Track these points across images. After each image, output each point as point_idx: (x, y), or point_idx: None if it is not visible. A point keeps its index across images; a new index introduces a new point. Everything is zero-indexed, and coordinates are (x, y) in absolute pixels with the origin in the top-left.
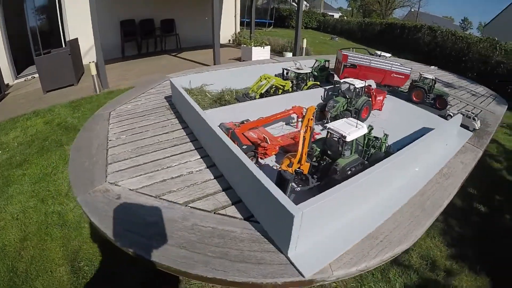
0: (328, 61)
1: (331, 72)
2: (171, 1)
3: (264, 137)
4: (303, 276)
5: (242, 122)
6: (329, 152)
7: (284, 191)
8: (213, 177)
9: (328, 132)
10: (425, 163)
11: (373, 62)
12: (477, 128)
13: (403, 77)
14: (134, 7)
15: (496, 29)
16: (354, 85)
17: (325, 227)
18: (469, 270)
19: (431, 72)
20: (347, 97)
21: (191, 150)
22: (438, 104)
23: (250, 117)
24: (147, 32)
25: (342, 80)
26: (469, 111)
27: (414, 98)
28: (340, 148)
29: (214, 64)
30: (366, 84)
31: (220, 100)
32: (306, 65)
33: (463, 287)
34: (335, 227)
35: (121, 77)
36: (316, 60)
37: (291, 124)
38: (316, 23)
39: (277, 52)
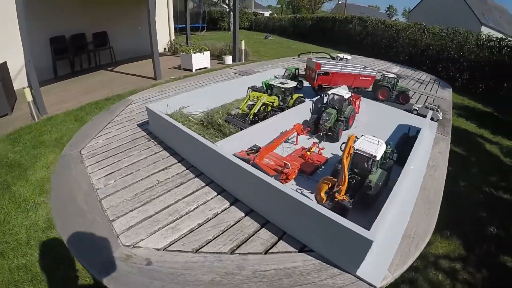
0: (297, 69)
1: (300, 79)
2: (102, 13)
3: (284, 162)
4: (375, 287)
5: (252, 150)
6: (355, 170)
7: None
8: (244, 214)
9: (355, 153)
10: (416, 160)
11: (344, 68)
12: (440, 118)
13: (370, 78)
14: (63, 22)
15: (420, 14)
16: (343, 96)
17: (378, 238)
18: (441, 237)
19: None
20: (337, 108)
21: (203, 187)
22: (401, 99)
23: (256, 142)
24: (79, 48)
25: (330, 92)
26: (431, 104)
27: (380, 97)
28: (368, 166)
29: (155, 77)
30: (351, 95)
31: (212, 124)
32: (277, 75)
33: (439, 252)
34: (384, 235)
35: (59, 100)
36: (286, 69)
37: (290, 142)
38: (247, 23)
39: (215, 56)
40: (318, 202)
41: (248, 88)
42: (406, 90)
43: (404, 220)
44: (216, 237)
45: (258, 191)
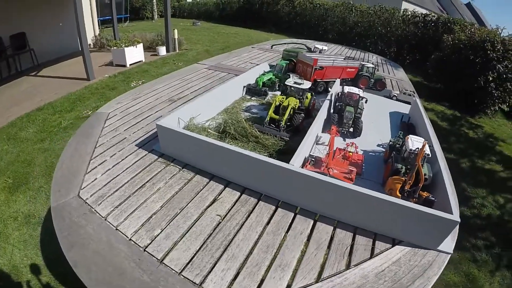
0: (288, 63)
1: (288, 73)
2: (18, 11)
3: (349, 169)
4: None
5: (312, 161)
6: (409, 166)
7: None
8: (332, 227)
9: (410, 153)
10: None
11: (336, 62)
12: (418, 101)
13: (354, 69)
14: None
15: None
16: (358, 94)
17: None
18: None
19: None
20: (353, 105)
21: (276, 211)
22: (378, 86)
23: (306, 152)
24: None
25: (346, 91)
26: (407, 90)
27: (361, 85)
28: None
29: (87, 77)
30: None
31: (247, 137)
32: (265, 70)
33: None
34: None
35: None
36: (277, 64)
37: (320, 143)
38: (171, 9)
39: (146, 48)
40: None
41: (244, 87)
42: (382, 77)
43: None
44: (327, 258)
45: (346, 203)
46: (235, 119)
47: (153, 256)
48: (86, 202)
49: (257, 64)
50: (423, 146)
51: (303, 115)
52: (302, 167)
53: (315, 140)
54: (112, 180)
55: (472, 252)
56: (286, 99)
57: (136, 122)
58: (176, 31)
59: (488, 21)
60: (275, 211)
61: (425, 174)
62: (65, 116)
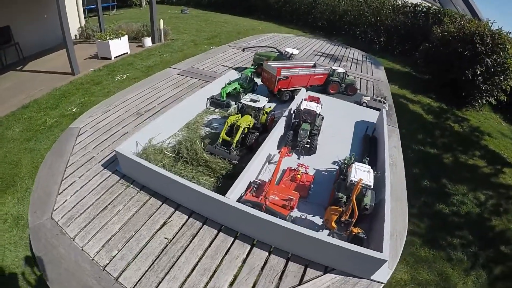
0: (254, 72)
1: (255, 81)
2: (1, 4)
3: (289, 197)
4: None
5: (254, 187)
6: (350, 195)
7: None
8: (267, 253)
9: (351, 183)
10: (380, 162)
11: (302, 71)
12: (387, 109)
13: (322, 76)
14: None
15: None
16: (315, 111)
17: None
18: None
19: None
20: (310, 121)
21: (217, 235)
22: (349, 91)
23: (252, 175)
24: None
25: (303, 107)
26: (378, 97)
27: (331, 90)
28: (364, 193)
29: (72, 71)
30: (321, 106)
31: (198, 161)
32: (231, 80)
33: None
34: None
35: None
36: (242, 73)
37: (272, 162)
38: None
39: (132, 38)
40: (328, 229)
41: (207, 99)
42: (353, 82)
43: (387, 220)
44: (255, 283)
45: (278, 234)
46: (191, 139)
47: (110, 274)
48: (57, 224)
49: (229, 68)
50: (358, 184)
51: (257, 134)
52: (244, 194)
53: (267, 160)
54: (79, 202)
55: (447, 251)
56: (241, 117)
57: (104, 139)
58: (161, 21)
59: (483, 13)
60: (216, 235)
61: (365, 204)
62: (50, 113)
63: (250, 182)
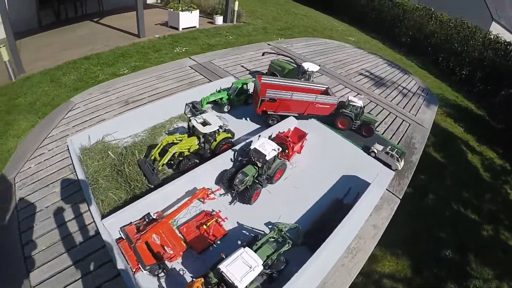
0: (247, 83)
1: (250, 93)
2: None
3: (164, 251)
4: None
5: (145, 220)
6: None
7: None
8: None
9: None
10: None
11: (295, 95)
12: (399, 168)
13: (328, 106)
14: None
15: None
16: (265, 155)
17: None
18: (391, 255)
19: (361, 99)
20: (259, 165)
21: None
22: (364, 131)
23: (155, 207)
24: None
25: (252, 148)
26: (394, 150)
27: (340, 125)
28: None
29: (138, 34)
30: (279, 150)
31: (122, 173)
32: (221, 88)
33: (385, 271)
34: None
35: (38, 57)
36: (233, 83)
37: (200, 199)
38: None
39: (207, 14)
40: None
41: (186, 104)
42: (371, 121)
43: None
44: None
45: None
46: (134, 147)
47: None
48: (14, 184)
49: (248, 70)
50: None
51: (196, 161)
52: (129, 224)
53: (187, 194)
54: (36, 173)
55: None
56: (187, 138)
57: (84, 121)
58: (237, 2)
59: None
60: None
61: None
62: (105, 70)
63: (147, 214)
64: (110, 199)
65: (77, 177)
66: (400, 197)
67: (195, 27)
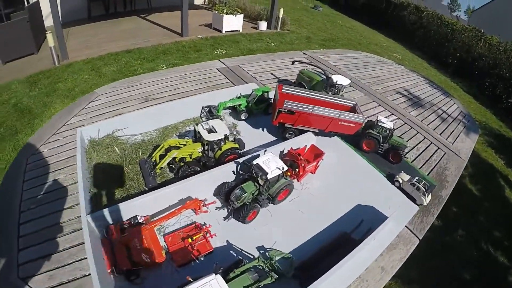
0: (268, 92)
1: (271, 102)
2: None
3: (141, 257)
4: None
5: (131, 222)
6: None
7: None
8: None
9: None
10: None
11: (317, 109)
12: (425, 204)
13: (353, 125)
14: None
15: (483, 17)
16: (267, 173)
17: None
18: None
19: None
20: (260, 182)
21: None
22: (391, 157)
23: (144, 211)
24: None
25: (255, 163)
26: (421, 182)
27: (365, 147)
28: None
29: (182, 33)
30: (284, 170)
31: (125, 160)
32: (241, 94)
33: None
34: None
35: (84, 46)
36: (253, 90)
37: (193, 210)
38: None
39: (252, 18)
40: None
41: (203, 108)
42: (401, 146)
43: None
44: None
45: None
46: (138, 149)
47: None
48: (26, 166)
49: (279, 79)
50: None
51: (197, 168)
52: (116, 224)
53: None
54: (48, 157)
55: None
56: (192, 143)
57: (103, 113)
58: (282, 10)
59: None
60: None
61: None
62: (145, 65)
63: (134, 216)
64: (103, 195)
65: (77, 168)
66: (420, 238)
67: (238, 31)
